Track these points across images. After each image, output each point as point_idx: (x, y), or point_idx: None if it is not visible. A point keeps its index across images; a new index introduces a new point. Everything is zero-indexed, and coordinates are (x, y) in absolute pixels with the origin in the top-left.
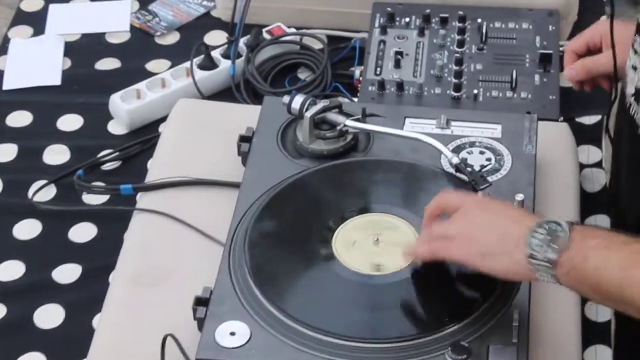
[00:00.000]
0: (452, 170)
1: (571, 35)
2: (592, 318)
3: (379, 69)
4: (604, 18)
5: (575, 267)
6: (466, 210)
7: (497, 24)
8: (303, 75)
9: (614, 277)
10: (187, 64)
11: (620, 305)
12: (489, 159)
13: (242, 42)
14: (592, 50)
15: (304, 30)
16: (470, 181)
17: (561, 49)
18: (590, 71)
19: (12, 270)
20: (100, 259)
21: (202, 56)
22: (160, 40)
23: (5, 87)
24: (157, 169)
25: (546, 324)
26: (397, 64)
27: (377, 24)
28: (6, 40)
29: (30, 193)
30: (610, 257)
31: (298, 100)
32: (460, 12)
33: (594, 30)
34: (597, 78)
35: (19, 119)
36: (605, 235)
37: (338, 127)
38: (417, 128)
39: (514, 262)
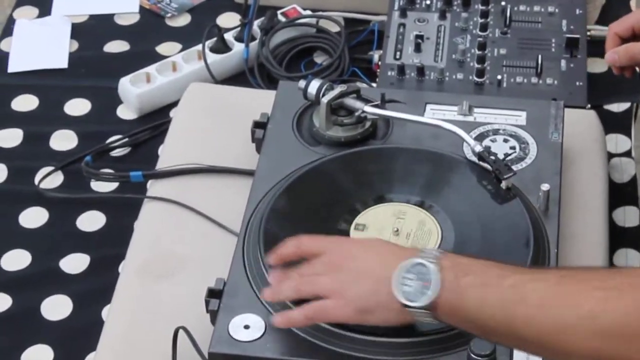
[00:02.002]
0: (474, 159)
1: (599, 20)
2: None
3: (398, 53)
4: None
5: (454, 307)
6: (330, 261)
7: (522, 7)
8: (319, 59)
9: (496, 315)
10: (199, 47)
11: (511, 341)
12: (513, 147)
13: (256, 24)
14: (637, 35)
15: (321, 13)
16: (494, 170)
17: (588, 33)
18: (635, 57)
19: (18, 259)
20: (109, 249)
21: (215, 39)
22: (170, 22)
23: (10, 69)
24: (168, 155)
25: None
26: (418, 48)
27: (396, 7)
28: (11, 21)
29: (36, 180)
30: (488, 296)
31: (314, 85)
32: None
33: None
34: (638, 64)
35: (25, 103)
36: (478, 269)
37: (356, 114)
38: (439, 115)
39: (393, 313)
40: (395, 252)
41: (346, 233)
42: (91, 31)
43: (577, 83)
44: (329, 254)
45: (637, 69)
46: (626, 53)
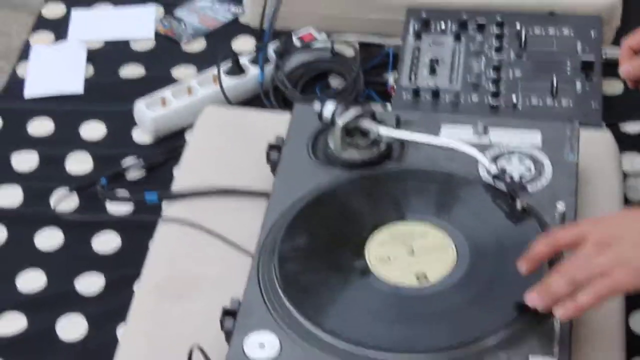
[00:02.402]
0: (490, 180)
1: (614, 41)
2: (637, 331)
3: (413, 75)
4: None
5: None
6: (596, 242)
7: (537, 30)
8: (334, 82)
9: None
10: (214, 71)
11: None
12: (528, 168)
13: (272, 48)
14: None
15: (336, 37)
16: (510, 191)
17: (604, 56)
18: None
19: (33, 281)
20: (124, 269)
21: (230, 62)
22: (186, 47)
23: (26, 95)
24: (183, 177)
25: (589, 335)
26: (433, 71)
27: (411, 31)
28: (27, 46)
29: (52, 202)
30: None
31: (330, 108)
32: (498, 18)
33: None
34: None
35: (41, 127)
36: None
37: (371, 136)
38: (454, 136)
39: None
40: None
41: (360, 252)
42: (107, 56)
43: (593, 105)
44: (591, 237)
45: None
46: None
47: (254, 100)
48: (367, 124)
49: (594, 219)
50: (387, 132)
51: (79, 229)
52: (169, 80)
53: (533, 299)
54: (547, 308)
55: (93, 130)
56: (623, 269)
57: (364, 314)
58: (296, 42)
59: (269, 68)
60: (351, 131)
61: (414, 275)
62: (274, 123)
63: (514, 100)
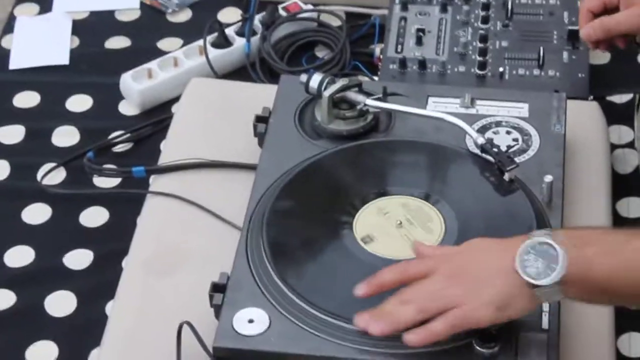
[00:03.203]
0: (477, 151)
1: None
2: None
3: (400, 46)
4: None
5: (583, 279)
6: (447, 274)
7: (523, 0)
8: (321, 53)
9: (627, 280)
10: (200, 42)
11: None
12: (515, 139)
13: (258, 19)
14: (608, 9)
15: (322, 7)
16: (497, 162)
17: None
18: (610, 31)
19: (21, 256)
20: (112, 244)
21: (216, 34)
22: (171, 18)
23: (11, 66)
24: (170, 150)
25: (578, 311)
26: (419, 41)
27: (397, 0)
28: (12, 18)
29: (39, 176)
30: (615, 263)
31: (316, 79)
32: None
33: None
34: (614, 38)
35: (26, 99)
36: (596, 238)
37: (358, 107)
38: (441, 107)
39: (526, 299)
40: (503, 243)
41: (349, 226)
42: (92, 27)
43: (580, 75)
44: (442, 270)
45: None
46: (601, 27)
47: (240, 71)
48: (353, 95)
49: (443, 254)
50: (373, 103)
51: (66, 203)
52: (155, 52)
53: (370, 323)
54: (385, 334)
55: (79, 103)
56: (473, 302)
57: (353, 288)
58: (282, 12)
59: (255, 39)
60: (338, 103)
61: (403, 246)
62: (260, 95)
63: (501, 70)
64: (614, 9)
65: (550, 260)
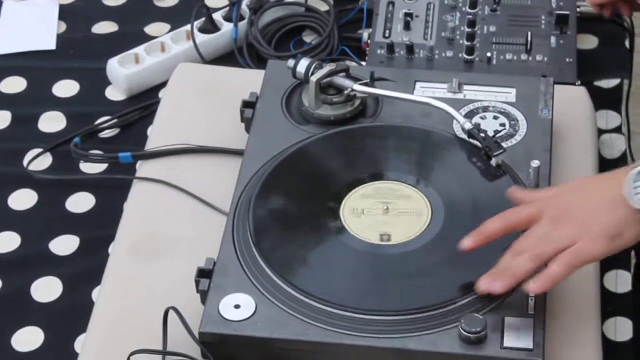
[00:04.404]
0: (464, 136)
1: None
2: (612, 289)
3: (387, 31)
4: None
5: None
6: (552, 217)
7: None
8: (308, 38)
9: None
10: (188, 27)
11: None
12: (503, 124)
13: (245, 3)
14: None
15: None
16: (484, 147)
17: (578, 9)
18: None
19: (7, 241)
20: (98, 230)
21: (203, 19)
22: (159, 3)
23: None
24: (157, 136)
25: (564, 295)
26: (407, 26)
27: None
28: None
29: (25, 162)
30: None
31: (303, 64)
32: None
33: None
34: (617, 3)
35: (13, 84)
36: None
37: (345, 92)
38: (428, 92)
39: (638, 226)
40: (604, 177)
41: (336, 211)
42: (79, 12)
43: (567, 59)
44: (547, 213)
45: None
46: None
47: (227, 56)
48: (341, 80)
49: (546, 195)
50: (361, 88)
51: (52, 188)
52: (142, 37)
53: (491, 284)
54: (507, 289)
55: (66, 88)
56: (585, 237)
57: (339, 274)
58: None
59: (243, 24)
60: (325, 88)
61: (384, 234)
62: (247, 80)
63: (488, 55)
64: None
65: None
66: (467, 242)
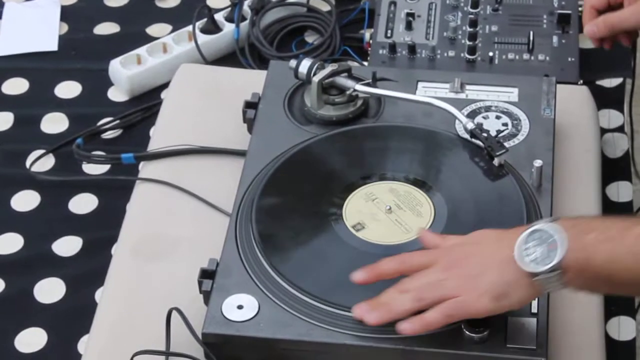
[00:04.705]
0: (467, 136)
1: None
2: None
3: (389, 31)
4: None
5: (583, 266)
6: (446, 265)
7: None
8: (310, 38)
9: (629, 267)
10: (190, 28)
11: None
12: (505, 124)
13: (247, 4)
14: (612, 6)
15: None
16: (486, 147)
17: (580, 8)
18: (614, 27)
19: (10, 243)
20: (101, 231)
21: (205, 19)
22: (160, 4)
23: (0, 53)
24: (159, 137)
25: (567, 295)
26: (409, 26)
27: None
28: (0, 4)
29: (27, 163)
30: (616, 250)
31: (305, 64)
32: None
33: None
34: (618, 35)
35: (15, 86)
36: (598, 225)
37: (347, 92)
38: (430, 92)
39: (525, 289)
40: (503, 233)
41: (339, 212)
42: (81, 13)
43: (569, 59)
44: (441, 261)
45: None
46: (605, 24)
47: (229, 57)
48: (343, 80)
49: (446, 245)
50: (363, 88)
51: (55, 190)
52: (144, 38)
53: (366, 313)
54: (380, 323)
55: (68, 89)
56: (471, 292)
57: (343, 274)
58: None
59: (245, 25)
60: (327, 88)
61: (386, 234)
62: (250, 80)
63: (491, 54)
64: (618, 6)
65: (550, 246)
66: (359, 276)
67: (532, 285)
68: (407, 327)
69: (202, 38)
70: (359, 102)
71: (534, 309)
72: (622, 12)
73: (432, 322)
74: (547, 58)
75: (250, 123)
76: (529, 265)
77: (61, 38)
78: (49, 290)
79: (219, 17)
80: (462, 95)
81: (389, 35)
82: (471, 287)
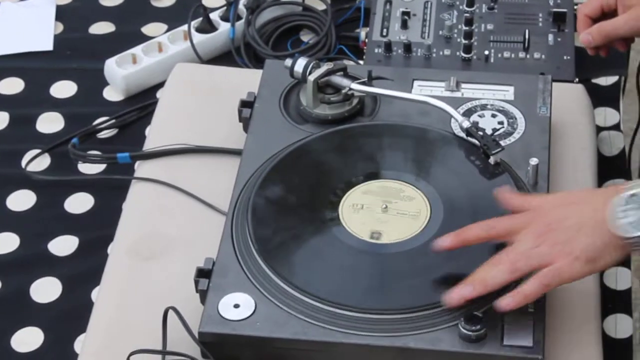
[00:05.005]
0: (462, 135)
1: None
2: (612, 286)
3: (385, 30)
4: None
5: None
6: (536, 232)
7: None
8: (306, 37)
9: None
10: (185, 27)
11: None
12: (501, 122)
13: (242, 3)
14: (606, 13)
15: None
16: (482, 146)
17: (576, 7)
18: (608, 35)
19: (6, 243)
20: (97, 230)
21: (200, 19)
22: (156, 3)
23: None
24: (155, 136)
25: (564, 293)
26: (404, 25)
27: None
28: None
29: (23, 163)
30: None
31: (301, 63)
32: None
33: None
34: (614, 42)
35: (10, 86)
36: None
37: (343, 91)
38: (426, 91)
39: (618, 252)
40: (596, 195)
41: (334, 210)
42: (76, 13)
43: (565, 57)
44: (531, 226)
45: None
46: (599, 32)
47: (225, 56)
48: (338, 79)
49: (531, 205)
50: (358, 87)
51: (51, 189)
52: (140, 37)
53: (463, 289)
54: (476, 296)
55: (64, 89)
56: (564, 257)
57: (339, 273)
58: None
59: (240, 24)
60: (323, 87)
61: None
62: (245, 80)
63: (486, 53)
64: (612, 13)
65: None
66: (445, 242)
67: (623, 247)
68: (509, 303)
69: (198, 37)
70: (355, 101)
71: (530, 307)
72: (616, 20)
73: (531, 294)
74: (543, 56)
75: (245, 122)
76: (625, 230)
77: (56, 38)
78: (45, 289)
79: (214, 16)
80: (457, 94)
81: (384, 34)
82: (565, 253)
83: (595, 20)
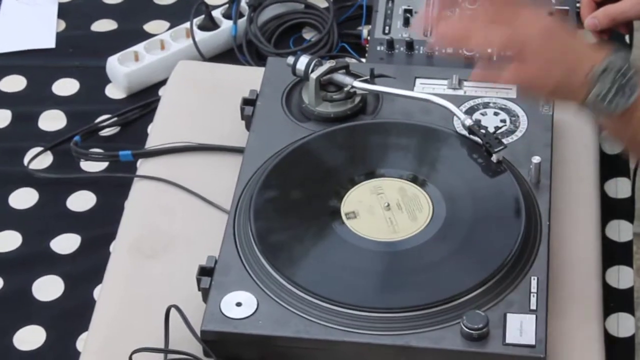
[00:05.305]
0: (465, 133)
1: None
2: (614, 285)
3: (387, 27)
4: None
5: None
6: (540, 41)
7: None
8: (308, 35)
9: None
10: (187, 25)
11: None
12: (503, 120)
13: (244, 1)
14: None
15: None
16: (485, 144)
17: (578, 5)
18: (615, 19)
19: (8, 241)
20: (100, 229)
21: (203, 16)
22: (158, 0)
23: None
24: (157, 134)
25: (566, 291)
26: (407, 22)
27: None
28: None
29: (25, 161)
30: None
31: (303, 61)
32: None
33: None
34: (618, 25)
35: (13, 83)
36: None
37: (345, 89)
38: (428, 89)
39: (583, 92)
40: (593, 50)
41: (337, 208)
42: (78, 10)
43: None
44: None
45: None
46: (605, 16)
47: (227, 54)
48: (341, 77)
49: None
50: (361, 85)
51: (53, 187)
52: (142, 35)
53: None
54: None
55: (66, 86)
56: (543, 65)
57: (341, 271)
58: None
59: (242, 21)
60: (325, 85)
61: (385, 231)
62: (247, 77)
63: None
64: None
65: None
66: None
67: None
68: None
69: (200, 35)
70: (357, 99)
71: (533, 306)
72: (622, 3)
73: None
74: None
75: (248, 120)
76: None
77: (59, 35)
78: (48, 288)
79: (216, 13)
80: (460, 92)
81: (386, 31)
82: (542, 64)
83: (599, 4)
